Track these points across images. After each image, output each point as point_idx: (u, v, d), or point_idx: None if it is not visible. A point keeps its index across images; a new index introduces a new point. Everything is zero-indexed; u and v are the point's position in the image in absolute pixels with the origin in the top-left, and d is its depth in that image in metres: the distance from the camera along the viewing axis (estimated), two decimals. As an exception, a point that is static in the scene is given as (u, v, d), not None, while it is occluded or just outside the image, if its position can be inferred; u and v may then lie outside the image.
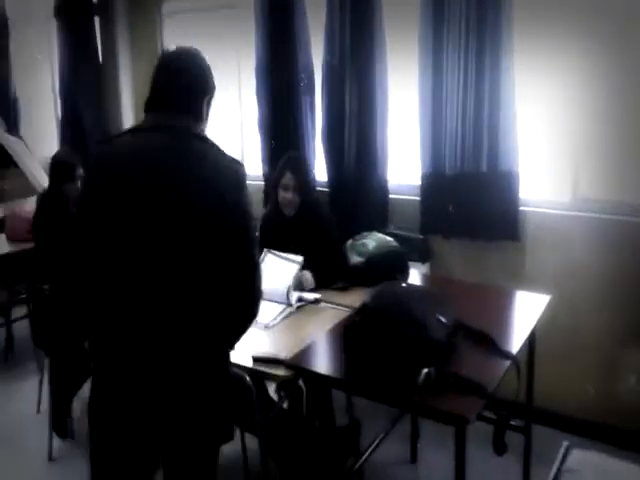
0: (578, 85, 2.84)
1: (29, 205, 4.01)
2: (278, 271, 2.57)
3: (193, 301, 1.53)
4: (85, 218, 1.56)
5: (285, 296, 2.48)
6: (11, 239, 3.70)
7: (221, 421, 1.66)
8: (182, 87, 1.64)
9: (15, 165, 5.78)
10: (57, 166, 3.30)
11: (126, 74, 4.96)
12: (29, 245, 3.35)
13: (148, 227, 1.50)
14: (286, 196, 2.81)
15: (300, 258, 2.58)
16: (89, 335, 1.63)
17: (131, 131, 1.66)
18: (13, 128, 5.89)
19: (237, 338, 1.69)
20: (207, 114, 1.74)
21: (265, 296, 2.27)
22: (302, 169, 2.90)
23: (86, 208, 1.57)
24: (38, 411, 3.21)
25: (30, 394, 3.30)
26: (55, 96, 5.68)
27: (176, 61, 1.70)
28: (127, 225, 1.50)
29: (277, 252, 2.67)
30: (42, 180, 5.31)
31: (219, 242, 1.52)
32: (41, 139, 5.89)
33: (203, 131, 1.70)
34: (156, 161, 1.53)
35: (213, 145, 1.62)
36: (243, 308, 1.62)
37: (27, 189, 5.36)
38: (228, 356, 1.68)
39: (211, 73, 1.75)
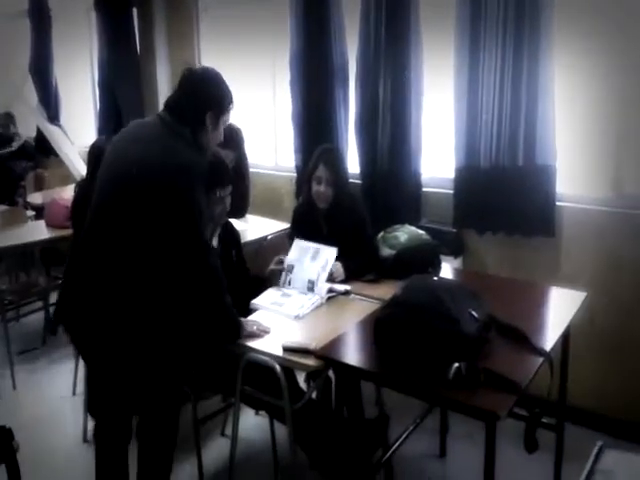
0: (619, 76, 2.76)
1: (68, 193, 4.11)
2: (311, 260, 2.59)
3: (132, 265, 1.89)
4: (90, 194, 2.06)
5: (316, 282, 2.50)
6: (50, 225, 3.79)
7: (159, 377, 1.98)
8: (188, 99, 2.02)
9: (55, 154, 5.94)
10: (95, 155, 3.36)
11: (163, 65, 5.02)
12: (68, 231, 3.43)
13: (107, 200, 1.98)
14: (319, 189, 2.80)
15: (334, 248, 2.58)
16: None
17: (136, 122, 2.13)
18: (54, 117, 6.04)
19: (202, 312, 2.04)
20: (214, 125, 2.06)
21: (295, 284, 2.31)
22: (336, 162, 2.88)
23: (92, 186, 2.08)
24: (74, 393, 3.30)
25: (67, 376, 3.39)
26: (94, 87, 5.79)
27: (190, 76, 2.08)
28: (97, 196, 2.02)
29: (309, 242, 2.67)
30: (80, 168, 5.44)
31: (156, 219, 1.88)
32: (80, 128, 6.02)
33: (201, 137, 2.03)
34: (134, 143, 2.01)
35: (187, 145, 1.96)
36: (196, 281, 1.97)
37: (66, 177, 5.50)
38: (183, 325, 2.00)
39: (222, 93, 2.08)
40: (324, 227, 2.86)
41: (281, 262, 2.62)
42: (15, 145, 5.63)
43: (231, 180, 2.47)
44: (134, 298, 1.91)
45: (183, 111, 2.00)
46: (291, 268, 2.61)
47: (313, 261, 2.59)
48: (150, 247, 1.90)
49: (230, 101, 2.11)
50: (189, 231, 1.93)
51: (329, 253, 2.58)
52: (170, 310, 1.96)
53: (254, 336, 2.11)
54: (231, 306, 2.09)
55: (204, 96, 2.03)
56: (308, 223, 2.87)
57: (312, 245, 2.65)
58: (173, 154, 1.92)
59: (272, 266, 2.64)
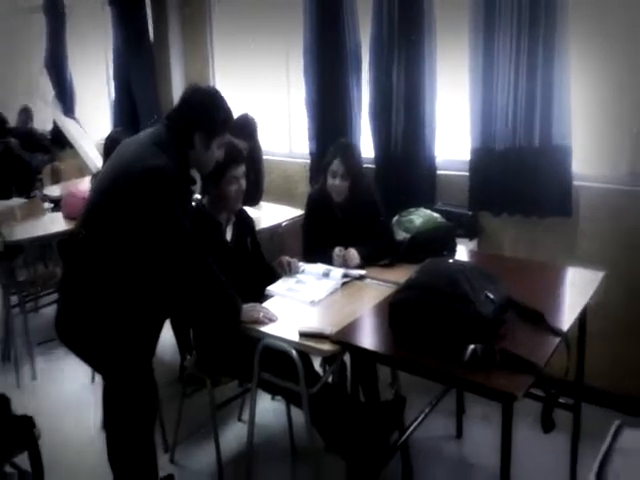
0: (634, 54, 2.71)
1: (85, 185, 4.13)
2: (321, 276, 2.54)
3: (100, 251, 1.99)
4: None
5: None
6: (67, 217, 3.82)
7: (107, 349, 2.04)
8: (180, 116, 2.09)
9: (71, 146, 5.99)
10: (110, 147, 3.38)
11: (177, 58, 5.05)
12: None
13: (93, 191, 2.14)
14: (334, 183, 2.80)
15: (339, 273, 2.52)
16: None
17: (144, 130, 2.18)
18: (69, 111, 6.10)
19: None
20: (205, 146, 2.09)
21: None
22: (352, 157, 2.86)
23: None
24: (93, 381, 3.35)
25: (85, 365, 3.42)
26: (109, 80, 5.83)
27: (188, 94, 2.15)
28: (87, 203, 2.13)
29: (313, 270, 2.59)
30: (96, 160, 5.49)
31: (128, 222, 1.95)
32: (95, 121, 6.08)
33: (190, 155, 2.08)
34: (119, 151, 2.12)
35: (163, 153, 1.98)
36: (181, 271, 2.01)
37: (82, 169, 5.55)
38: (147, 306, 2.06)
39: (215, 117, 2.10)
40: (339, 215, 2.86)
41: (280, 265, 2.58)
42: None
43: (244, 159, 2.48)
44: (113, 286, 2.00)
45: (174, 126, 2.07)
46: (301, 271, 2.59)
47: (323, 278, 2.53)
48: (128, 248, 1.98)
49: (223, 126, 2.13)
50: (159, 233, 1.96)
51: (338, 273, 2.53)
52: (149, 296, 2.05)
53: (260, 322, 2.12)
54: (226, 285, 2.10)
55: (194, 117, 2.06)
56: (323, 209, 2.87)
57: (323, 266, 2.59)
58: (143, 158, 1.97)
59: (276, 265, 2.62)
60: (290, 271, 2.56)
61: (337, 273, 2.50)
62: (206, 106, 2.09)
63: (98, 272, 1.99)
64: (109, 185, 2.03)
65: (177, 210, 1.98)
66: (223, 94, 2.18)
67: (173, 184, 1.97)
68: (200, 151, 2.09)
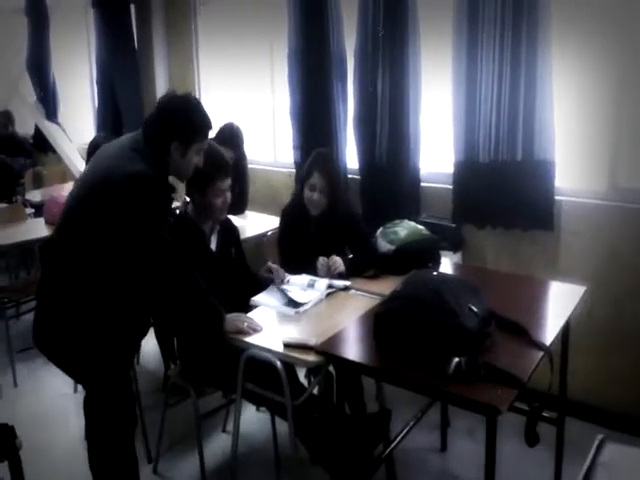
0: (615, 70, 2.76)
1: (67, 190, 4.08)
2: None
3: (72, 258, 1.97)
4: None
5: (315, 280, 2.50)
6: (50, 223, 3.78)
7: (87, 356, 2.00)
8: (157, 124, 2.06)
9: (53, 151, 5.93)
10: (93, 152, 3.34)
11: (161, 61, 5.03)
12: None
13: (70, 195, 2.10)
14: (312, 197, 2.76)
15: (324, 284, 2.50)
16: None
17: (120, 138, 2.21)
18: (52, 115, 6.03)
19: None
20: (182, 154, 2.07)
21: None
22: (331, 170, 2.82)
23: None
24: (75, 391, 3.30)
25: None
26: (92, 84, 5.78)
27: (164, 102, 2.11)
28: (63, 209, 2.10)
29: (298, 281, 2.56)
30: (79, 165, 5.44)
31: (103, 228, 1.93)
32: (78, 126, 6.02)
33: (167, 163, 2.07)
34: (97, 156, 2.14)
35: (141, 160, 1.97)
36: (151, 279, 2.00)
37: (65, 174, 5.49)
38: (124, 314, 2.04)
39: (192, 125, 2.08)
40: (313, 229, 2.83)
41: (269, 271, 2.57)
42: None
43: (230, 173, 2.47)
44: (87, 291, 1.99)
45: (151, 134, 2.06)
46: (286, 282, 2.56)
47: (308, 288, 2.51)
48: (105, 255, 1.96)
49: (202, 133, 2.11)
50: (140, 241, 1.95)
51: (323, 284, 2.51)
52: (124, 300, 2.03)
53: (243, 332, 2.11)
54: (209, 294, 2.09)
55: (171, 126, 2.04)
56: (297, 225, 2.84)
57: (307, 277, 2.56)
58: (122, 165, 1.96)
59: (262, 272, 2.61)
60: (279, 277, 2.53)
61: (322, 284, 2.50)
62: (182, 114, 2.07)
63: (72, 278, 1.97)
64: (86, 191, 2.01)
65: (158, 218, 1.97)
66: (201, 101, 2.17)
67: (154, 192, 1.97)
68: (177, 159, 2.08)
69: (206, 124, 2.14)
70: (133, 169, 1.94)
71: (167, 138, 2.04)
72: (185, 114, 2.07)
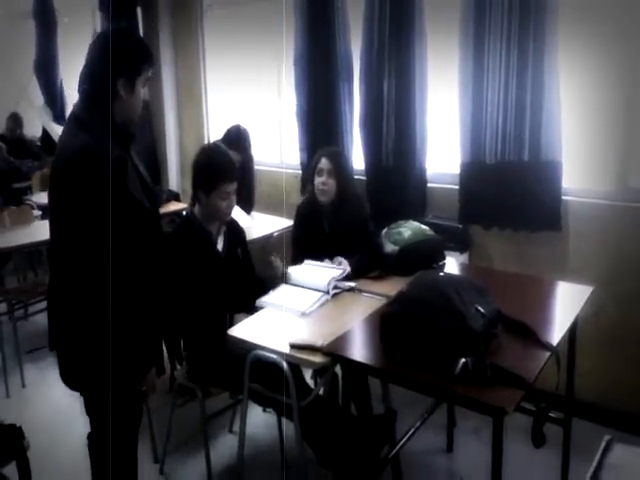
0: (622, 70, 2.75)
1: (74, 192, 4.11)
2: (318, 271, 2.59)
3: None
4: None
5: (326, 285, 2.49)
6: (57, 225, 3.80)
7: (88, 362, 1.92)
8: (91, 74, 1.75)
9: (61, 153, 5.94)
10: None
11: (168, 65, 5.04)
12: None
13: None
14: (321, 180, 2.82)
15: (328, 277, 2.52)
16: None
17: None
18: (59, 118, 6.06)
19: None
20: (130, 91, 1.78)
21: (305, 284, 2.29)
22: (340, 157, 2.91)
23: None
24: (82, 393, 3.31)
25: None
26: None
27: (92, 44, 1.80)
28: None
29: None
30: (86, 168, 5.44)
31: (64, 204, 1.72)
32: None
33: (117, 114, 1.78)
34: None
35: (76, 137, 1.73)
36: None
37: (72, 177, 5.50)
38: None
39: (135, 50, 1.80)
40: (326, 226, 2.87)
41: (270, 264, 2.60)
42: None
43: (237, 177, 2.49)
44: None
45: (92, 88, 1.76)
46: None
47: (322, 271, 2.58)
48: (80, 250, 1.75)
49: (147, 62, 1.83)
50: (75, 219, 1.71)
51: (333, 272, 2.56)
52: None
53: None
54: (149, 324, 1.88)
55: (113, 64, 1.72)
56: (311, 221, 2.88)
57: (319, 264, 2.64)
58: (62, 148, 1.78)
59: (264, 270, 2.63)
60: (279, 269, 2.57)
61: (328, 284, 2.49)
62: (122, 46, 1.78)
63: (70, 278, 1.83)
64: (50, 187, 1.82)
65: (103, 197, 1.66)
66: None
67: (95, 167, 1.67)
68: (127, 99, 1.79)
69: (146, 48, 1.88)
70: (71, 148, 1.71)
71: (111, 79, 1.74)
72: (127, 44, 1.81)
